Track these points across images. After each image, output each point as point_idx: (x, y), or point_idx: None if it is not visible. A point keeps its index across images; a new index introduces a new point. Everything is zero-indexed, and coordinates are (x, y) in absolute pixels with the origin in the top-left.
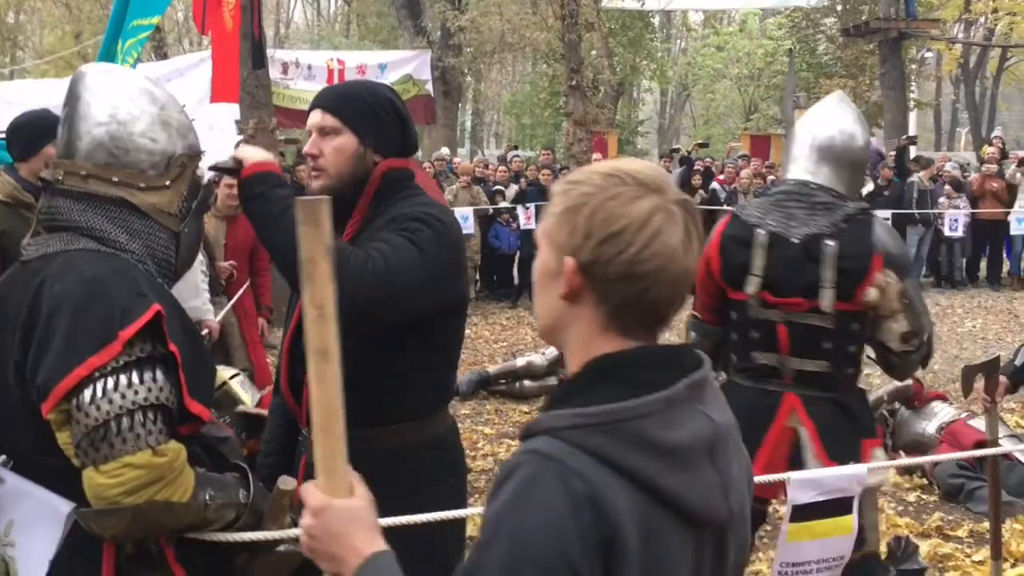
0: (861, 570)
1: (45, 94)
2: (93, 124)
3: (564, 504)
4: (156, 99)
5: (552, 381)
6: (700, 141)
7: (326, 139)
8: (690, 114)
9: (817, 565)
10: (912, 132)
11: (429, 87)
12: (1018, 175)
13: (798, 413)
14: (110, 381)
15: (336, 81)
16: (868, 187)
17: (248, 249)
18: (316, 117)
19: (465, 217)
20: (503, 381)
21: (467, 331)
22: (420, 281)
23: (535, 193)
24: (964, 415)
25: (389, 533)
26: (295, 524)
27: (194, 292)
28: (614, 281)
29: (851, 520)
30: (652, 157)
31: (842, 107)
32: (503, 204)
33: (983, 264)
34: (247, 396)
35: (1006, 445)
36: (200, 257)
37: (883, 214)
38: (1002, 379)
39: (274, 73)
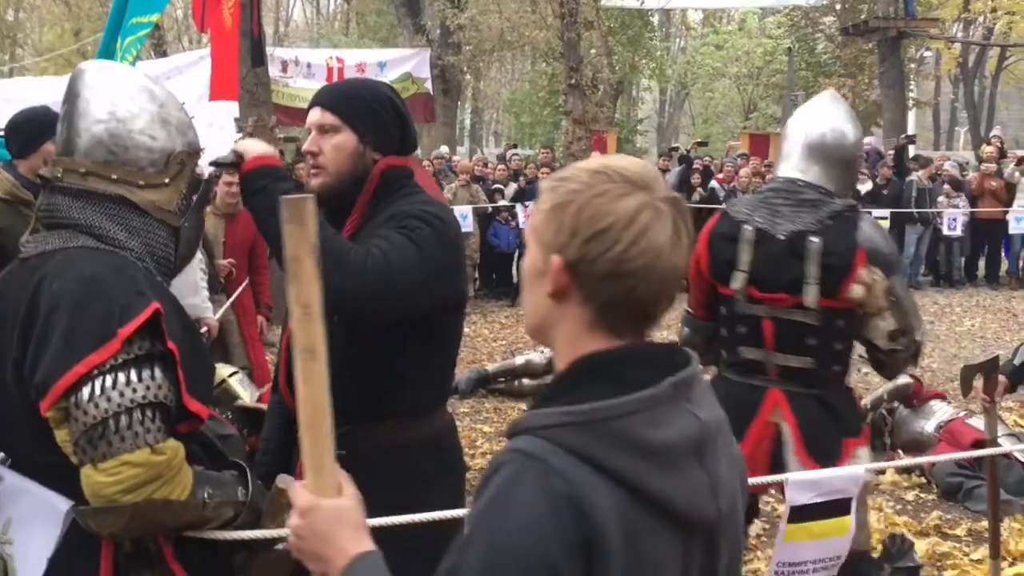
0: (850, 568)
1: (44, 91)
2: (92, 121)
3: (544, 504)
4: (155, 97)
5: (550, 380)
6: (699, 140)
7: (325, 137)
8: (689, 113)
9: (814, 565)
10: (911, 131)
11: (428, 85)
12: (1017, 174)
13: (781, 409)
14: (109, 379)
15: (335, 79)
16: (867, 186)
17: (247, 247)
18: (315, 115)
19: (464, 215)
20: (502, 379)
21: (466, 329)
22: (419, 279)
23: (534, 192)
24: (963, 414)
25: (387, 531)
26: None
27: (193, 290)
28: (601, 279)
29: (849, 521)
30: (651, 156)
31: (833, 105)
32: (502, 202)
33: (982, 263)
34: (246, 394)
35: (1005, 444)
36: (199, 255)
37: (882, 213)
38: (1001, 378)
39: (273, 71)
